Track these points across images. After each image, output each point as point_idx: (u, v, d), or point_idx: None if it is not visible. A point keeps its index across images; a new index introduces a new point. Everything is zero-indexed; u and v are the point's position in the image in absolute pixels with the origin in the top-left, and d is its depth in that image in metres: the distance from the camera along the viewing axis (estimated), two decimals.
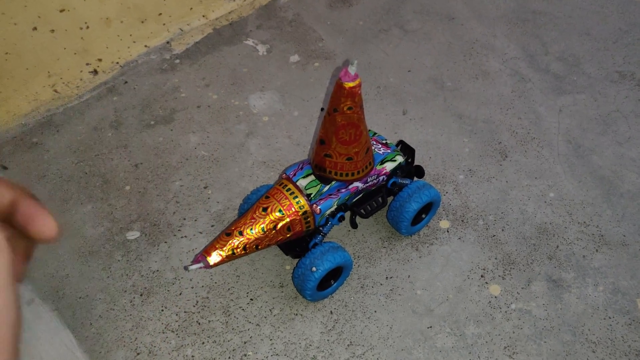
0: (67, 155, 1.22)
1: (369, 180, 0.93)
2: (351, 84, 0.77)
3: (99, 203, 1.12)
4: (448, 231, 1.05)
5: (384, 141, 0.99)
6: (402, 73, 1.37)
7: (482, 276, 0.98)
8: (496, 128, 1.23)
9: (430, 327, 0.92)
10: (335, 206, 0.90)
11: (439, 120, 1.25)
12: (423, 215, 1.02)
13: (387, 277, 0.98)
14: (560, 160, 1.16)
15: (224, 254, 0.83)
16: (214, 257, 0.82)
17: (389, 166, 0.95)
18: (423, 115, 1.26)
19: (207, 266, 0.82)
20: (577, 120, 1.24)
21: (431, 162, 1.17)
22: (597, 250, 1.01)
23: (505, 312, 0.93)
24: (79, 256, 1.03)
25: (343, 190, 0.90)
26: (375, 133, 1.01)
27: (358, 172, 0.88)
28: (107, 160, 1.20)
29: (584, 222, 1.05)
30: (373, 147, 0.96)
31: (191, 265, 0.82)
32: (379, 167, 0.94)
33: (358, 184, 0.91)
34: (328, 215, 0.91)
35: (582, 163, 1.15)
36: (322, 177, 0.89)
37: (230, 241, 0.83)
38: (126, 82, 1.38)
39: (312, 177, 0.90)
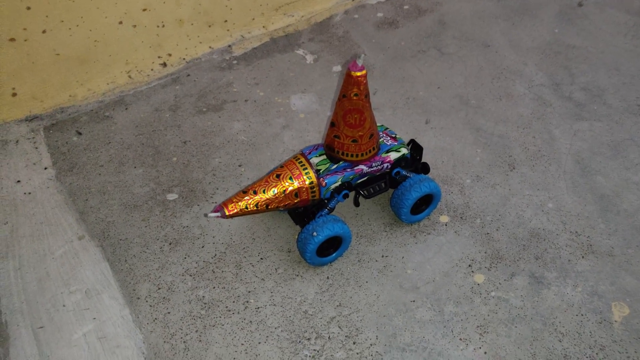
0: (131, 128, 1.42)
1: (373, 165, 1.05)
2: (358, 74, 0.92)
3: (149, 168, 1.31)
4: (446, 225, 1.15)
5: (394, 135, 1.12)
6: (431, 89, 1.50)
7: (469, 265, 1.07)
8: (510, 143, 1.32)
9: (413, 301, 1.02)
10: (340, 182, 1.04)
11: (457, 132, 1.36)
12: (423, 207, 1.13)
13: (382, 256, 1.10)
14: (565, 177, 1.24)
15: (238, 207, 0.98)
16: (230, 208, 0.98)
17: (393, 155, 1.07)
18: (444, 126, 1.38)
19: (223, 216, 0.98)
20: (590, 144, 1.31)
21: (443, 165, 1.28)
22: (583, 257, 1.07)
23: (485, 297, 1.02)
24: (125, 207, 1.22)
25: (349, 169, 1.04)
26: (387, 128, 1.14)
27: (362, 154, 1.02)
28: (162, 136, 1.39)
29: (576, 232, 1.12)
30: (382, 139, 1.09)
31: (210, 213, 0.97)
32: (384, 155, 1.07)
33: (363, 167, 1.05)
34: (333, 190, 1.04)
35: (585, 181, 1.22)
36: (332, 156, 1.03)
37: (245, 197, 0.99)
38: (189, 75, 1.59)
39: (324, 157, 1.04)
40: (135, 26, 1.53)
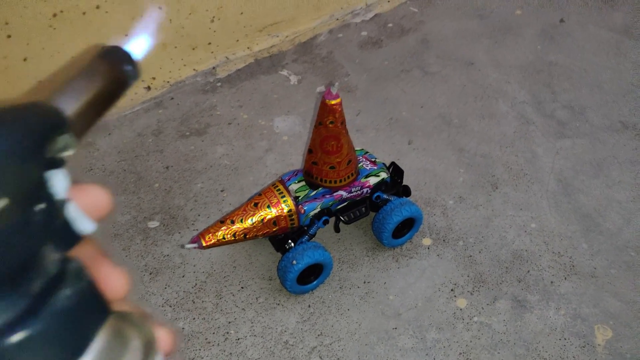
0: (113, 154, 1.42)
1: (352, 190, 1.05)
2: (332, 102, 0.91)
3: (130, 195, 1.30)
4: (429, 248, 1.14)
5: (373, 159, 1.11)
6: (414, 109, 1.50)
7: (452, 290, 1.06)
8: (492, 163, 1.32)
9: (395, 328, 1.01)
10: (319, 209, 1.03)
11: (440, 152, 1.36)
12: (405, 230, 1.12)
13: (365, 282, 1.09)
14: (547, 196, 1.23)
15: (215, 238, 0.97)
16: (207, 239, 0.97)
17: (372, 180, 1.07)
18: (426, 147, 1.38)
19: (201, 247, 0.97)
20: (572, 162, 1.31)
21: (425, 187, 1.27)
22: (565, 279, 1.07)
23: (467, 323, 1.01)
24: (106, 236, 1.21)
25: (328, 196, 1.03)
26: (366, 152, 1.13)
27: (341, 180, 1.01)
28: (144, 161, 1.39)
29: (559, 253, 1.11)
30: (361, 164, 1.09)
31: (188, 244, 0.96)
32: (363, 180, 1.06)
33: (342, 192, 1.04)
34: (313, 216, 1.03)
35: (568, 200, 1.22)
36: (310, 183, 1.03)
37: (222, 227, 0.98)
38: (172, 99, 1.59)
39: (303, 183, 1.04)
40: None
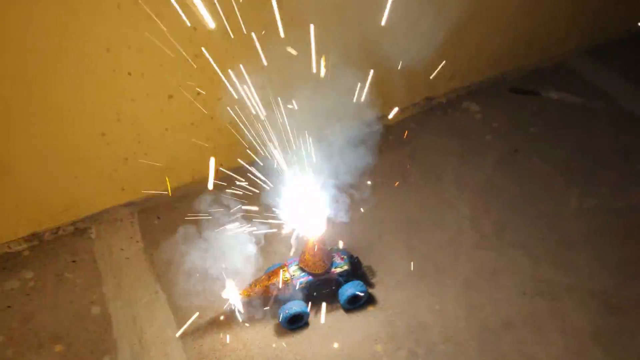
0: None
1: (325, 275, 1.81)
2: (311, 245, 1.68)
3: None
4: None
5: (343, 256, 1.87)
6: (390, 211, 2.23)
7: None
8: (430, 258, 2.04)
9: None
10: (304, 285, 1.80)
11: (397, 247, 2.09)
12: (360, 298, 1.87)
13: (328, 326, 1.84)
14: (455, 286, 1.94)
15: (245, 293, 1.76)
16: (242, 293, 1.76)
17: (338, 270, 1.83)
18: (389, 241, 2.11)
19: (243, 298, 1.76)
20: (475, 265, 2.01)
21: (377, 270, 2.01)
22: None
23: None
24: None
25: (310, 277, 1.80)
26: (340, 249, 1.89)
27: (317, 270, 1.78)
28: None
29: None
30: (334, 258, 1.84)
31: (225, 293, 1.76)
32: (333, 269, 1.82)
33: (319, 277, 1.81)
34: (299, 288, 1.80)
35: (469, 293, 1.93)
36: (301, 269, 1.80)
37: (250, 289, 1.77)
38: None
39: (297, 267, 1.81)
40: None
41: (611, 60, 2.95)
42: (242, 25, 1.78)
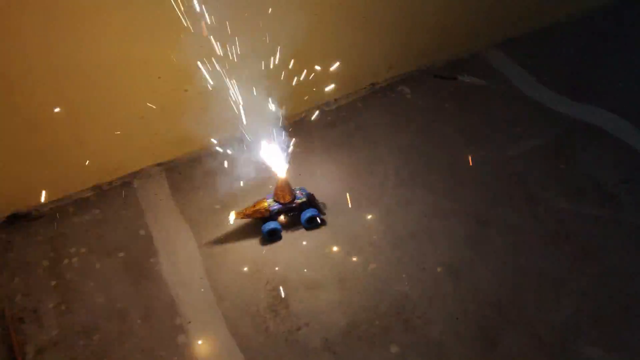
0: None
1: (291, 204, 2.80)
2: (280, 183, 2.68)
3: None
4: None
5: (303, 192, 2.85)
6: (346, 167, 3.21)
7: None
8: (372, 203, 3.03)
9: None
10: (276, 211, 2.79)
11: (339, 184, 3.08)
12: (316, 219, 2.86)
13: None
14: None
15: (239, 215, 2.76)
16: (235, 216, 2.75)
17: (299, 201, 2.82)
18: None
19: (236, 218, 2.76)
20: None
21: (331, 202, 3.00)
22: None
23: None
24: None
25: (280, 205, 2.79)
26: (301, 188, 2.88)
27: (285, 201, 2.77)
28: None
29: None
30: (296, 193, 2.83)
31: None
32: (297, 201, 2.81)
33: (288, 205, 2.80)
34: (274, 212, 2.80)
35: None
36: (275, 200, 2.79)
37: (240, 210, 2.76)
38: None
39: (272, 199, 2.80)
40: None
41: (515, 51, 3.90)
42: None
